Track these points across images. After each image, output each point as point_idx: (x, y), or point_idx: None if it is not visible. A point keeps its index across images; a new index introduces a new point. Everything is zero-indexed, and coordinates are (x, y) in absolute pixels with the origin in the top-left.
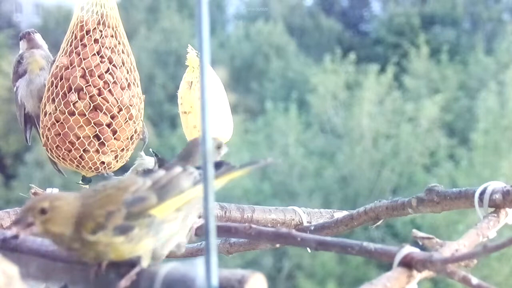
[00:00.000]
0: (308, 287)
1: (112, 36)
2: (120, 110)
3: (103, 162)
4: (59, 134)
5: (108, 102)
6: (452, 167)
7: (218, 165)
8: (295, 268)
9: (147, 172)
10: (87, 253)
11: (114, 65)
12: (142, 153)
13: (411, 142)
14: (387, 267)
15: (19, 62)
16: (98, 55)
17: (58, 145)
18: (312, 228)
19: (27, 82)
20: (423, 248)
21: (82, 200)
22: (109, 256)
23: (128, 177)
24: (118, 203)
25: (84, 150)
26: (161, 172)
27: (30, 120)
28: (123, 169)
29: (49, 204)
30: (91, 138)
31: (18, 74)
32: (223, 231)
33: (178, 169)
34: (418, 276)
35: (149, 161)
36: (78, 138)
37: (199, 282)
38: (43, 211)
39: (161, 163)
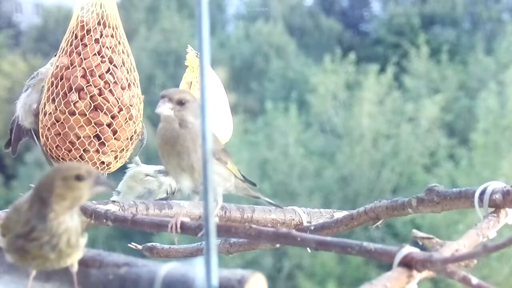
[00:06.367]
0: (308, 287)
1: (112, 36)
2: (121, 110)
3: (103, 162)
4: (59, 134)
5: (108, 102)
6: (452, 167)
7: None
8: (295, 268)
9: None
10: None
11: (114, 65)
12: (137, 158)
13: (411, 142)
14: (387, 267)
15: (32, 77)
16: (99, 55)
17: (58, 145)
18: (312, 228)
19: (27, 94)
20: (423, 248)
21: None
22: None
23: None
24: None
25: (84, 150)
26: None
27: (21, 133)
28: (122, 169)
29: None
30: (92, 138)
31: (26, 87)
32: (223, 231)
33: None
34: (418, 276)
35: (146, 168)
36: (78, 138)
37: (199, 282)
38: None
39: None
